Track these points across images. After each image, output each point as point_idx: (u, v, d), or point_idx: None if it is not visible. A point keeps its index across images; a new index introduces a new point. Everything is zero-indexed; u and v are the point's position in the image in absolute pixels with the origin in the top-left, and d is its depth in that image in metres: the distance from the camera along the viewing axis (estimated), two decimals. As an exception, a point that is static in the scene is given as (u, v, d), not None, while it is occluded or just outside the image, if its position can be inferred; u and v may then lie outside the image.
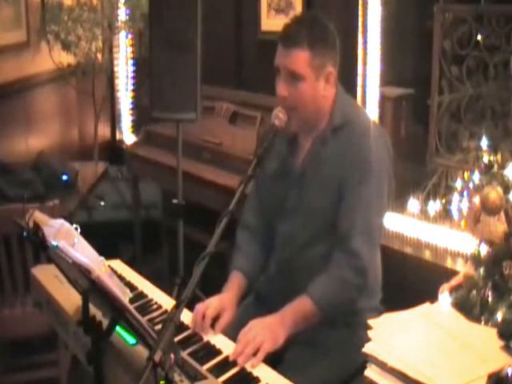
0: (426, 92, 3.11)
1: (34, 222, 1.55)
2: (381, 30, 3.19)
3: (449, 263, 2.83)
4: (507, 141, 1.87)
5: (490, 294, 1.69)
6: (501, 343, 1.55)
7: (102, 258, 1.57)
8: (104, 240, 2.11)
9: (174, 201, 3.19)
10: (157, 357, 1.27)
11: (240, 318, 1.93)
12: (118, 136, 4.99)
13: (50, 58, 4.34)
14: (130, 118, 4.95)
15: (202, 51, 2.96)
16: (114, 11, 4.50)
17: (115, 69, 4.85)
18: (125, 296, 1.48)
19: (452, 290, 1.79)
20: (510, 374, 1.46)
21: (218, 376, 1.56)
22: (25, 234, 1.58)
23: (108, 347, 1.57)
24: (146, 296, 1.98)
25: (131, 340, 1.56)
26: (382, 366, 1.47)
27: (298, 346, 1.90)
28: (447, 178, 3.06)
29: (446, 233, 2.90)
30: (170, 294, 2.06)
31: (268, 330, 1.75)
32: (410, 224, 3.03)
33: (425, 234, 2.98)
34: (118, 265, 2.17)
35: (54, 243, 1.47)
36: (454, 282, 1.83)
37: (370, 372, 1.50)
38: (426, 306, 1.71)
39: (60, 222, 1.58)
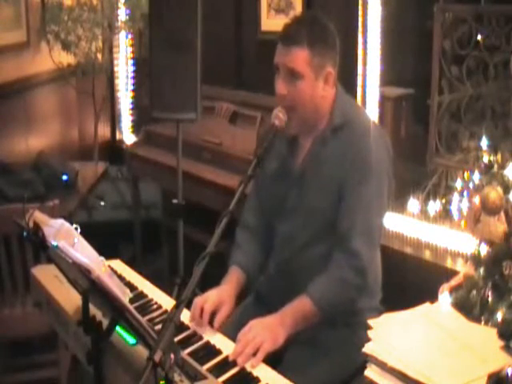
0: (426, 92, 3.11)
1: (34, 222, 1.55)
2: (381, 30, 3.19)
3: (449, 263, 2.83)
4: (507, 141, 1.87)
5: (490, 293, 1.69)
6: (501, 343, 1.55)
7: (102, 258, 1.57)
8: (104, 240, 2.11)
9: (174, 201, 3.20)
10: (157, 357, 1.27)
11: (240, 317, 1.93)
12: (118, 136, 5.00)
13: (50, 58, 4.34)
14: (130, 118, 4.95)
15: (202, 51, 2.96)
16: (113, 11, 4.50)
17: (115, 69, 4.85)
18: (125, 296, 1.48)
19: (452, 290, 1.79)
20: (510, 374, 1.46)
21: (218, 376, 1.56)
22: (25, 234, 1.58)
23: (108, 347, 1.57)
24: (146, 296, 1.98)
25: (131, 340, 1.56)
26: (382, 366, 1.47)
27: (298, 345, 1.90)
28: (447, 178, 3.06)
29: (445, 233, 2.90)
30: (170, 294, 2.05)
31: (268, 330, 1.75)
32: (409, 224, 3.03)
33: (425, 233, 2.98)
34: (118, 265, 2.17)
35: (54, 243, 1.47)
36: (454, 281, 1.83)
37: (370, 372, 1.50)
38: (426, 305, 1.71)
39: (60, 221, 1.58)
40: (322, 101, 1.98)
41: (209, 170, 3.47)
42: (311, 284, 1.89)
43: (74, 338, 1.76)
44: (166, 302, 1.94)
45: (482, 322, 1.65)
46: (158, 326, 1.57)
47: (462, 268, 2.26)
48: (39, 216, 1.59)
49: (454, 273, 1.96)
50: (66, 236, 1.51)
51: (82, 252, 1.46)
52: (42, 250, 1.64)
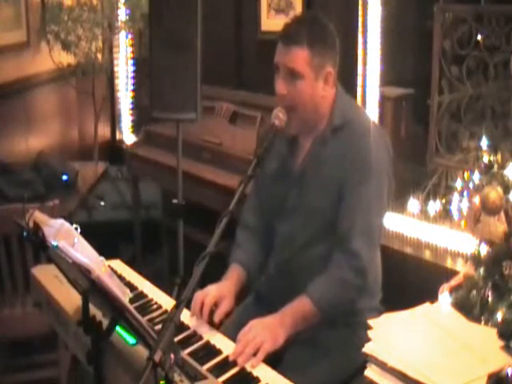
0: (426, 92, 3.11)
1: (34, 222, 1.55)
2: (381, 30, 3.19)
3: (449, 263, 2.83)
4: (507, 141, 1.87)
5: (490, 293, 1.69)
6: (501, 343, 1.55)
7: (102, 258, 1.57)
8: (104, 240, 2.11)
9: (174, 201, 3.19)
10: (157, 357, 1.27)
11: (240, 317, 1.93)
12: (118, 136, 5.00)
13: (50, 58, 4.34)
14: (130, 118, 4.95)
15: (202, 51, 2.96)
16: (114, 11, 4.50)
17: (115, 69, 4.85)
18: (125, 296, 1.48)
19: (452, 290, 1.79)
20: (510, 374, 1.46)
21: (218, 376, 1.56)
22: (25, 234, 1.58)
23: (108, 347, 1.57)
24: (146, 296, 1.98)
25: (131, 340, 1.56)
26: (382, 366, 1.47)
27: (298, 345, 1.90)
28: (447, 178, 3.06)
29: (446, 233, 2.90)
30: (170, 294, 2.05)
31: (268, 330, 1.75)
32: (410, 224, 3.03)
33: (425, 233, 2.98)
34: (118, 265, 2.17)
35: (54, 243, 1.47)
36: (454, 281, 1.83)
37: (370, 372, 1.50)
38: (426, 305, 1.71)
39: (60, 221, 1.57)
40: (322, 101, 1.98)
41: (209, 170, 3.47)
42: (311, 284, 1.89)
43: (74, 338, 1.76)
44: (166, 301, 1.94)
45: (482, 322, 1.65)
46: (158, 326, 1.57)
47: (462, 268, 2.26)
48: (39, 216, 1.59)
49: (454, 273, 1.96)
50: (66, 236, 1.51)
51: (82, 252, 1.46)
52: (42, 250, 1.64)
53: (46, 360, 2.98)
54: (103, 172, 4.26)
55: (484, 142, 1.85)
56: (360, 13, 3.19)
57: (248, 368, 1.62)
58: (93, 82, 4.46)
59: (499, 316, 1.63)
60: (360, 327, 1.77)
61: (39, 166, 3.61)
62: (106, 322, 1.58)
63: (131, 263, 2.24)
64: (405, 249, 3.00)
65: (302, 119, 1.98)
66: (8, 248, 2.71)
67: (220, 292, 1.90)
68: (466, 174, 1.96)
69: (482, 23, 2.88)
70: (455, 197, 2.76)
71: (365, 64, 3.22)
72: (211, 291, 1.89)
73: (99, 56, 4.48)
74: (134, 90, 4.88)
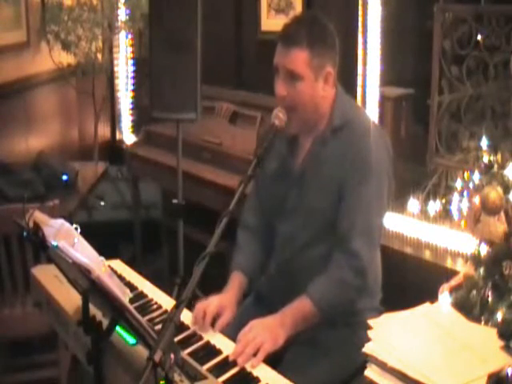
0: (426, 92, 3.11)
1: (34, 222, 1.55)
2: (381, 30, 3.19)
3: (449, 263, 2.83)
4: (507, 141, 1.87)
5: (490, 293, 1.69)
6: (501, 343, 1.55)
7: (102, 258, 1.57)
8: (104, 240, 2.11)
9: (174, 201, 3.20)
10: (157, 357, 1.27)
11: (240, 318, 1.93)
12: (118, 136, 5.00)
13: (50, 58, 4.34)
14: (130, 118, 4.95)
15: (202, 51, 2.96)
16: (114, 11, 4.50)
17: (115, 69, 4.85)
18: (125, 296, 1.48)
19: (452, 290, 1.79)
20: (510, 374, 1.46)
21: (218, 376, 1.56)
22: (25, 234, 1.58)
23: (108, 347, 1.57)
24: (145, 296, 1.98)
25: (131, 340, 1.56)
26: (382, 366, 1.47)
27: (298, 346, 1.90)
28: (447, 178, 3.06)
29: (446, 233, 2.90)
30: (170, 294, 2.05)
31: (268, 331, 1.75)
32: (410, 224, 3.03)
33: (425, 233, 2.98)
34: (118, 265, 2.17)
35: (54, 243, 1.47)
36: (454, 282, 1.83)
37: (370, 372, 1.50)
38: (426, 305, 1.71)
39: (60, 221, 1.57)
40: (322, 101, 1.98)
41: (209, 170, 3.47)
42: (311, 285, 1.89)
43: (74, 338, 1.76)
44: (166, 301, 1.94)
45: (482, 322, 1.65)
46: (158, 326, 1.57)
47: (462, 268, 2.25)
48: (39, 216, 1.59)
49: (454, 273, 1.96)
50: (66, 236, 1.51)
51: (82, 252, 1.46)
52: (42, 250, 1.64)
53: (45, 360, 2.98)
54: (103, 172, 4.26)
55: (484, 142, 1.85)
56: (360, 13, 3.19)
57: (248, 368, 1.62)
58: (93, 82, 4.46)
59: (499, 316, 1.63)
60: (360, 327, 1.77)
61: (39, 165, 3.61)
62: (106, 322, 1.58)
63: (131, 263, 2.24)
64: (405, 249, 3.00)
65: (302, 119, 1.98)
66: (8, 248, 2.71)
67: (222, 303, 1.90)
68: (466, 174, 1.96)
69: (482, 23, 2.88)
70: (455, 197, 2.76)
71: (365, 64, 3.22)
72: (213, 301, 1.89)
73: (99, 56, 4.48)
74: (134, 90, 4.88)
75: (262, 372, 1.61)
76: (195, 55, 2.95)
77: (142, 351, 1.47)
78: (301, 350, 1.91)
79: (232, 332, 1.80)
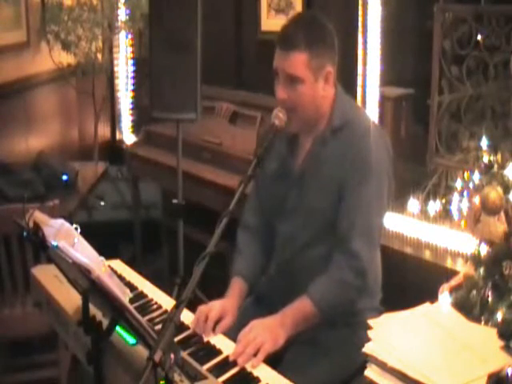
0: (426, 92, 3.11)
1: (34, 222, 1.55)
2: (381, 30, 3.19)
3: (449, 263, 2.83)
4: (507, 141, 1.87)
5: (490, 293, 1.69)
6: (501, 343, 1.55)
7: (102, 258, 1.57)
8: (104, 240, 2.11)
9: (174, 201, 3.20)
10: (157, 357, 1.27)
11: (240, 318, 1.93)
12: (118, 136, 5.00)
13: (50, 58, 4.34)
14: (130, 118, 4.95)
15: (202, 51, 2.96)
16: (113, 11, 4.50)
17: (115, 69, 4.85)
18: (125, 296, 1.48)
19: (452, 290, 1.79)
20: (510, 374, 1.46)
21: (218, 376, 1.56)
22: (25, 234, 1.58)
23: (108, 347, 1.57)
24: (145, 296, 1.98)
25: (131, 340, 1.56)
26: (382, 365, 1.47)
27: (298, 345, 1.90)
28: (447, 178, 3.06)
29: (446, 233, 2.90)
30: (170, 294, 2.05)
31: (268, 331, 1.75)
32: (410, 224, 3.03)
33: (425, 233, 2.98)
34: (118, 265, 2.17)
35: (54, 243, 1.47)
36: (454, 282, 1.83)
37: (370, 372, 1.50)
38: (426, 305, 1.71)
39: (60, 222, 1.57)
40: (323, 101, 1.98)
41: (209, 170, 3.47)
42: (311, 285, 1.89)
43: (74, 338, 1.76)
44: (166, 301, 1.94)
45: (482, 322, 1.65)
46: (158, 326, 1.57)
47: (462, 268, 2.25)
48: (39, 216, 1.59)
49: (454, 273, 1.96)
50: (66, 236, 1.51)
51: (82, 252, 1.46)
52: (42, 250, 1.64)
53: (46, 360, 2.98)
54: (103, 172, 4.26)
55: (484, 142, 1.85)
56: (360, 13, 3.19)
57: (248, 368, 1.62)
58: (93, 82, 4.45)
59: (499, 316, 1.63)
60: (360, 327, 1.77)
61: (39, 165, 3.61)
62: (106, 322, 1.58)
63: (131, 263, 2.24)
64: (405, 249, 3.00)
65: (302, 119, 1.98)
66: (8, 248, 2.71)
67: (223, 307, 1.90)
68: (466, 174, 1.96)
69: (482, 23, 2.88)
70: (455, 197, 2.76)
71: (365, 64, 3.22)
72: (215, 306, 1.89)
73: (99, 56, 4.48)
74: (134, 90, 4.88)
75: (262, 372, 1.61)
76: (195, 55, 2.95)
77: (142, 351, 1.47)
78: (301, 350, 1.91)
79: (232, 332, 1.80)
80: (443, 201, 2.96)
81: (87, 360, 1.58)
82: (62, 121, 4.71)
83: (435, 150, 3.08)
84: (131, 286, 2.01)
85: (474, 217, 1.81)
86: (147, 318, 1.84)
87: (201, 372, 1.56)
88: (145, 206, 4.42)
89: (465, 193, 2.21)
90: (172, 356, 1.31)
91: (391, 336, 1.55)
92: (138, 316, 1.40)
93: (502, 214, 1.75)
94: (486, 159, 1.82)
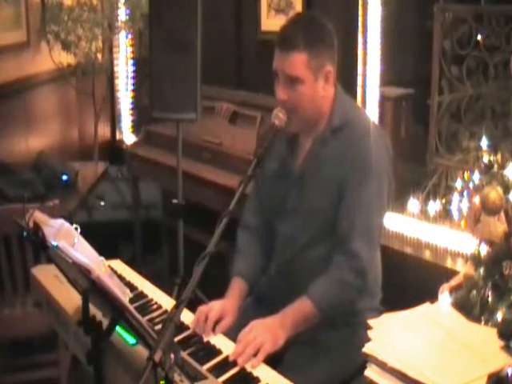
0: (426, 92, 3.11)
1: (34, 222, 1.55)
2: (381, 30, 3.19)
3: (449, 263, 2.83)
4: (507, 141, 1.87)
5: (490, 293, 1.69)
6: (501, 343, 1.55)
7: (102, 258, 1.57)
8: (104, 240, 2.11)
9: (174, 201, 3.20)
10: (157, 357, 1.27)
11: (240, 318, 1.93)
12: (118, 136, 5.00)
13: (50, 58, 4.34)
14: (130, 118, 4.95)
15: (202, 51, 2.96)
16: (113, 11, 4.50)
17: (115, 69, 4.85)
18: (125, 296, 1.48)
19: (452, 290, 1.79)
20: (510, 374, 1.46)
21: (218, 376, 1.56)
22: (25, 234, 1.58)
23: (108, 347, 1.57)
24: (145, 296, 1.98)
25: (131, 340, 1.56)
26: (382, 366, 1.47)
27: (298, 346, 1.90)
28: (447, 178, 3.06)
29: (446, 233, 2.90)
30: (170, 294, 2.05)
31: (268, 331, 1.75)
32: (410, 224, 3.03)
33: (425, 233, 2.98)
34: (118, 265, 2.17)
35: (54, 243, 1.47)
36: (454, 282, 1.83)
37: (370, 372, 1.50)
38: (426, 305, 1.71)
39: (60, 221, 1.57)
40: (323, 101, 1.98)
41: (209, 170, 3.47)
42: (312, 285, 1.89)
43: (74, 338, 1.76)
44: (166, 301, 1.94)
45: (482, 322, 1.65)
46: (158, 326, 1.57)
47: (462, 268, 2.25)
48: (39, 216, 1.59)
49: (454, 273, 1.96)
50: (66, 236, 1.51)
51: (82, 252, 1.46)
52: (42, 250, 1.64)
53: (46, 360, 2.98)
54: (103, 172, 4.25)
55: (484, 142, 1.85)
56: (360, 13, 3.19)
57: (248, 368, 1.62)
58: (93, 82, 4.46)
59: (499, 316, 1.63)
60: (360, 327, 1.77)
61: (39, 165, 3.61)
62: (106, 322, 1.58)
63: (131, 263, 2.24)
64: (405, 249, 3.00)
65: (302, 119, 1.98)
66: (8, 248, 2.71)
67: (223, 308, 1.90)
68: (466, 174, 1.96)
69: (482, 23, 2.88)
70: (455, 197, 2.76)
71: (365, 64, 3.22)
72: (216, 306, 1.89)
73: (99, 56, 4.48)
74: (134, 90, 4.88)
75: (262, 372, 1.61)
76: (195, 55, 2.95)
77: (142, 351, 1.47)
78: (301, 350, 1.91)
79: (232, 332, 1.80)
80: (443, 201, 2.96)
81: (87, 360, 1.58)
82: (62, 121, 4.71)
83: (435, 150, 3.08)
84: (131, 286, 2.01)
85: (474, 217, 1.81)
86: (147, 318, 1.84)
87: (201, 372, 1.56)
88: (145, 206, 4.42)
89: (465, 193, 2.21)
90: (172, 356, 1.31)
91: (391, 336, 1.56)
92: (138, 316, 1.40)
93: (502, 213, 1.75)
94: (485, 159, 1.82)
